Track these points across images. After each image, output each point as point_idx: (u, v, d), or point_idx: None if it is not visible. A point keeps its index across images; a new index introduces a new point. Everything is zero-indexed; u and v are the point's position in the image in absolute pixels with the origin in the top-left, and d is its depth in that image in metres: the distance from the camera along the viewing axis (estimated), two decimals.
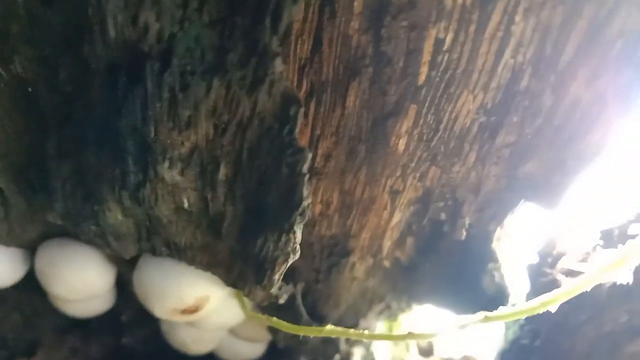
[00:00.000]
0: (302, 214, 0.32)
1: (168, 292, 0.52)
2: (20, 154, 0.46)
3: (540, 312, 0.33)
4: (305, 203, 0.32)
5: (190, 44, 0.29)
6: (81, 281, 0.60)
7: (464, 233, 0.47)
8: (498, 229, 0.48)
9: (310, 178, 0.43)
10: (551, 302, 0.32)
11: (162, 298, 0.53)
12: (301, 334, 0.42)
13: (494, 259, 0.53)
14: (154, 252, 0.50)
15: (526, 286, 0.53)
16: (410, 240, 0.58)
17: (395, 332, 0.83)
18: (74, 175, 0.42)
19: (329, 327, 0.40)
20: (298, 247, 0.36)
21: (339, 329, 0.39)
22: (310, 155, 0.31)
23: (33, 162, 0.45)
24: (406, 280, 0.64)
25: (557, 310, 0.42)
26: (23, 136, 0.44)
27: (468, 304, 0.59)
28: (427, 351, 0.93)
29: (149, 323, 0.71)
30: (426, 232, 0.53)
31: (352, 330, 0.39)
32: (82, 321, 0.74)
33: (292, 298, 0.52)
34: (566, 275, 0.44)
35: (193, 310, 0.54)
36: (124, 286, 0.65)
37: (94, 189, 0.41)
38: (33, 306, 0.74)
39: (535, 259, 0.51)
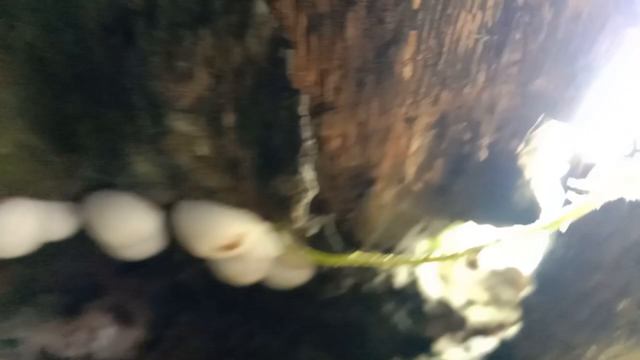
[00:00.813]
0: (306, 155, 0.33)
1: (207, 232, 0.55)
2: (49, 116, 0.48)
3: (555, 228, 0.33)
4: (306, 144, 0.32)
5: None
6: (128, 227, 0.64)
7: (486, 153, 0.46)
8: (522, 145, 0.47)
9: (324, 113, 0.43)
10: (567, 217, 0.32)
11: (202, 238, 0.56)
12: (332, 263, 0.43)
13: (522, 176, 0.53)
14: (187, 196, 0.53)
15: (558, 199, 0.52)
16: (438, 163, 0.57)
17: (436, 251, 0.85)
18: (97, 133, 0.44)
19: (358, 254, 0.41)
20: (311, 184, 0.37)
21: (368, 255, 0.41)
22: (306, 98, 0.31)
23: (61, 123, 0.47)
24: (439, 202, 0.64)
25: (585, 223, 0.42)
26: (48, 99, 0.47)
27: (502, 219, 0.59)
28: (472, 264, 0.95)
29: (201, 260, 0.75)
30: (452, 153, 0.52)
31: (384, 258, 0.40)
32: (139, 263, 0.79)
33: (325, 228, 0.54)
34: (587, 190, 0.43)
35: (233, 246, 0.57)
36: (171, 227, 0.68)
37: (118, 144, 0.43)
38: (91, 253, 0.80)
39: (563, 172, 0.50)
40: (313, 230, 0.49)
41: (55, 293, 0.82)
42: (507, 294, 0.88)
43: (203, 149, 0.39)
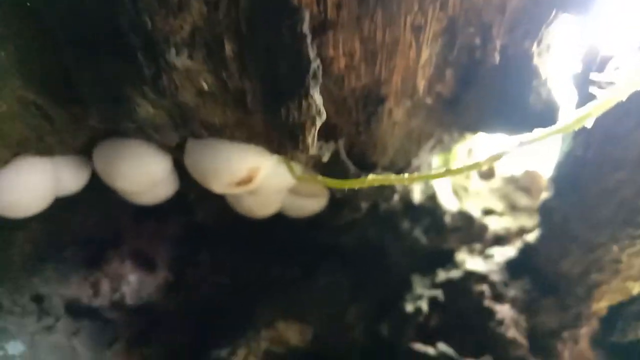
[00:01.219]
0: (315, 77, 0.31)
1: (220, 169, 0.55)
2: (47, 70, 0.47)
3: (578, 126, 0.32)
4: (314, 65, 0.31)
5: None
6: (139, 173, 0.64)
7: (498, 57, 0.44)
8: (535, 45, 0.45)
9: (326, 32, 0.41)
10: (591, 113, 0.31)
11: (216, 175, 0.55)
12: (345, 187, 0.43)
13: (537, 76, 0.51)
14: (196, 136, 0.52)
15: (574, 97, 0.51)
16: (449, 73, 0.55)
17: (451, 164, 0.84)
18: (97, 81, 0.42)
19: (371, 176, 0.40)
20: (321, 109, 0.35)
21: (380, 176, 0.40)
22: (307, 14, 0.29)
23: (59, 75, 0.46)
24: (452, 114, 0.63)
25: (605, 120, 0.40)
26: (44, 53, 0.45)
27: (519, 124, 0.58)
28: (488, 174, 0.94)
29: (215, 198, 0.75)
30: (463, 62, 0.50)
31: (394, 176, 0.39)
32: (156, 208, 0.79)
33: (336, 154, 0.53)
34: (609, 83, 0.41)
35: (247, 181, 0.56)
36: (183, 169, 0.68)
37: (119, 90, 0.42)
38: (108, 202, 0.80)
39: (579, 68, 0.48)
40: (325, 157, 0.48)
41: (77, 246, 0.84)
42: (524, 200, 0.89)
43: (206, 83, 0.37)
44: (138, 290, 0.88)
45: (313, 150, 0.43)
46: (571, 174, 0.54)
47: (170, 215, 0.91)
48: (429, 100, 0.58)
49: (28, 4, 0.41)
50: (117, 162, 0.62)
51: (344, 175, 0.54)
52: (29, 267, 0.78)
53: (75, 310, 0.84)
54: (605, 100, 0.32)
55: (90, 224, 0.85)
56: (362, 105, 0.51)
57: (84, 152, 0.66)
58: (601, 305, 0.60)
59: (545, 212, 0.60)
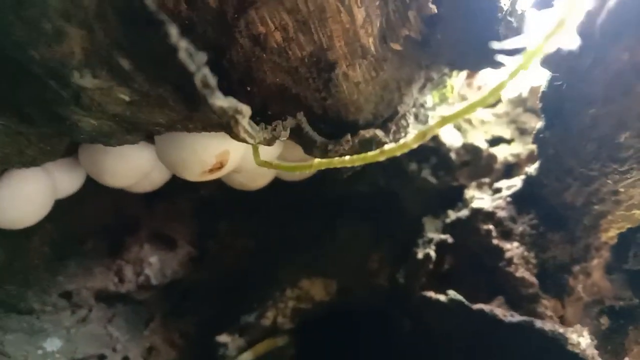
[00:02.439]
0: (206, 86, 0.29)
1: (188, 160, 0.54)
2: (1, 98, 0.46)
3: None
4: (198, 76, 0.28)
5: None
6: (127, 167, 0.64)
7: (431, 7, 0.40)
8: None
9: (247, 10, 0.39)
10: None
11: (186, 167, 0.55)
12: (295, 171, 0.41)
13: (500, 7, 0.46)
14: (154, 133, 0.51)
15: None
16: (412, 15, 0.51)
17: (450, 98, 0.80)
18: (34, 104, 0.41)
19: (316, 161, 0.38)
20: (238, 107, 0.33)
21: (325, 160, 0.38)
22: (173, 27, 0.26)
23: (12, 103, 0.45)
24: (427, 55, 0.59)
25: (566, 56, 0.36)
26: None
27: (494, 57, 0.53)
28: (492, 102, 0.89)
29: None
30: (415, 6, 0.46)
31: (337, 159, 0.37)
32: (164, 189, 0.79)
33: (299, 127, 0.51)
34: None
35: (219, 167, 0.55)
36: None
37: (53, 110, 0.41)
38: (117, 192, 0.81)
39: None
40: (283, 137, 0.46)
41: (95, 238, 0.87)
42: (534, 121, 0.83)
43: (124, 95, 0.36)
44: (161, 269, 0.90)
45: (259, 138, 0.41)
46: (555, 105, 0.49)
47: (181, 194, 0.92)
48: (397, 47, 0.54)
49: None
50: (101, 161, 0.63)
51: (312, 145, 0.52)
52: (52, 267, 0.81)
53: (105, 298, 0.88)
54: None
55: (102, 214, 0.87)
56: (316, 72, 0.48)
57: (72, 153, 0.66)
58: (610, 234, 0.57)
59: (540, 143, 0.57)
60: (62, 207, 0.72)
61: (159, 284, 0.90)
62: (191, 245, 0.93)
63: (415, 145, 0.31)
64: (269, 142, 0.48)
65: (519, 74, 0.34)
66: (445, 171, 0.84)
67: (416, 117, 0.75)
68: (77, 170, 0.70)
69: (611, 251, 0.59)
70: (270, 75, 0.47)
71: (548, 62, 0.40)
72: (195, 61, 0.27)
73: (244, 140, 0.39)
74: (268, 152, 0.62)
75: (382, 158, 0.34)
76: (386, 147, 0.34)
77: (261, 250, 0.97)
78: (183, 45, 0.26)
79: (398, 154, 0.33)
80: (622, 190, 0.48)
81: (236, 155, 0.56)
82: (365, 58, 0.48)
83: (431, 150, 0.84)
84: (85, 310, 0.85)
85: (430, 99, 0.79)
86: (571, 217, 0.59)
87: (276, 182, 0.80)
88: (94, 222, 0.86)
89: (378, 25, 0.45)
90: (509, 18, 0.48)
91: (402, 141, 0.33)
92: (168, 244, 0.92)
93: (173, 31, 0.26)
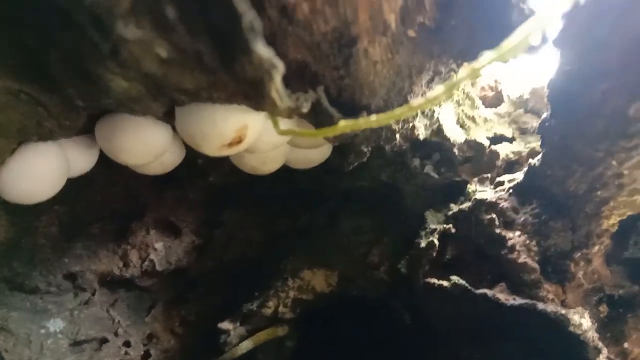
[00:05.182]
0: (251, 29, 0.31)
1: (208, 133, 0.55)
2: (24, 59, 0.48)
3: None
4: (246, 18, 0.30)
5: None
6: (141, 145, 0.65)
7: None
8: None
9: None
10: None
11: (206, 140, 0.56)
12: (319, 136, 0.43)
13: None
14: (176, 103, 0.52)
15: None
16: (428, 2, 0.54)
17: (455, 95, 0.82)
18: (65, 63, 0.43)
19: (342, 122, 0.40)
20: (274, 61, 0.35)
21: (350, 121, 0.40)
22: None
23: (35, 63, 0.47)
24: (440, 43, 0.61)
25: (583, 30, 0.38)
26: (16, 43, 0.46)
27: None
28: (495, 101, 0.92)
29: (222, 159, 0.76)
30: None
31: (363, 120, 0.39)
32: (171, 175, 0.81)
33: (318, 103, 0.53)
34: None
35: (238, 141, 0.57)
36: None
37: (86, 68, 0.42)
38: (126, 176, 0.83)
39: None
40: (305, 108, 0.48)
41: (102, 222, 0.87)
42: (534, 122, 0.86)
43: (162, 50, 0.37)
44: (166, 256, 0.91)
45: (285, 103, 0.43)
46: (563, 90, 0.52)
47: (189, 181, 0.93)
48: (412, 33, 0.56)
49: None
50: (117, 138, 0.64)
51: (329, 123, 0.53)
52: (58, 248, 0.82)
53: (109, 282, 0.89)
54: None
55: (111, 199, 0.88)
56: (337, 49, 0.50)
57: (88, 131, 0.68)
58: (611, 221, 0.59)
59: (545, 132, 0.59)
60: (71, 190, 0.73)
61: (163, 271, 0.91)
62: (196, 233, 0.94)
63: (443, 99, 0.33)
64: (290, 114, 0.49)
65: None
66: (447, 167, 0.86)
67: (422, 111, 0.77)
68: (90, 149, 0.71)
69: (612, 239, 0.61)
70: (292, 50, 0.49)
71: (563, 38, 0.42)
72: (244, 2, 0.29)
73: (272, 102, 0.41)
74: (277, 136, 0.63)
75: (411, 113, 0.36)
76: (413, 102, 0.36)
77: (265, 241, 0.98)
78: None
79: (427, 108, 0.34)
80: (626, 172, 0.50)
81: (254, 131, 0.57)
82: (385, 35, 0.50)
83: (434, 146, 0.86)
84: (89, 293, 0.86)
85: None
86: (573, 205, 0.61)
87: (282, 173, 0.81)
88: (102, 206, 0.87)
89: (400, 2, 0.47)
90: (521, 5, 0.51)
91: (430, 94, 0.35)
92: (173, 231, 0.93)
93: None
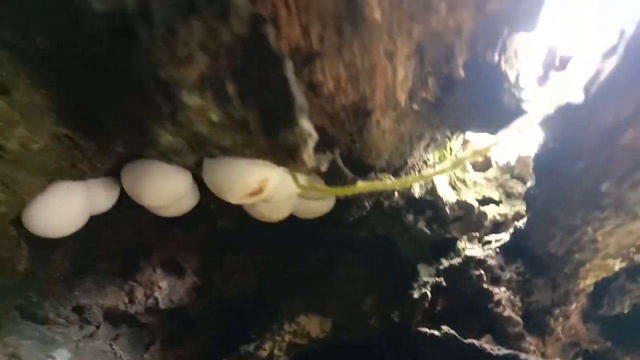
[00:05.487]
0: (301, 109, 0.38)
1: (234, 183, 0.62)
2: (76, 110, 0.54)
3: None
4: (299, 101, 0.37)
5: None
6: (164, 190, 0.71)
7: (461, 72, 0.50)
8: (499, 55, 0.51)
9: (314, 61, 0.48)
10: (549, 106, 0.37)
11: (230, 189, 0.63)
12: (340, 194, 0.50)
13: (508, 79, 0.57)
14: (210, 156, 0.59)
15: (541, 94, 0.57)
16: (431, 81, 0.62)
17: (448, 158, 0.90)
18: (120, 117, 0.50)
19: (361, 183, 0.47)
20: (312, 132, 0.42)
21: (369, 183, 0.47)
22: (290, 62, 0.36)
23: (87, 114, 0.54)
24: (438, 116, 0.69)
25: (562, 117, 0.46)
26: (72, 96, 0.53)
27: (497, 123, 0.64)
28: (484, 166, 1.00)
29: (234, 205, 0.82)
30: (436, 75, 0.57)
31: (382, 182, 0.46)
32: (181, 218, 0.87)
33: (334, 163, 0.60)
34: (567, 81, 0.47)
35: (258, 192, 0.63)
36: (203, 182, 0.75)
37: (141, 124, 0.49)
38: (136, 217, 0.88)
39: (540, 71, 0.54)
40: (324, 167, 0.55)
41: (111, 259, 0.92)
42: (519, 187, 0.94)
43: (215, 116, 0.44)
44: (169, 295, 0.96)
45: (311, 164, 0.50)
46: (546, 164, 0.60)
47: (196, 224, 0.99)
48: (415, 107, 0.64)
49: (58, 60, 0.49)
50: (143, 182, 0.70)
51: (342, 181, 0.60)
52: (70, 281, 0.86)
53: (113, 317, 0.92)
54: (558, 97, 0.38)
55: (121, 236, 0.93)
56: (353, 119, 0.58)
57: (113, 173, 0.74)
58: (588, 282, 0.66)
59: (530, 199, 0.67)
60: (85, 226, 0.78)
61: (165, 309, 0.95)
62: (198, 275, 0.99)
63: (451, 171, 0.40)
64: (309, 172, 0.56)
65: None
66: (439, 224, 0.93)
67: (419, 171, 0.85)
68: (112, 189, 0.77)
69: (588, 298, 0.68)
70: (314, 117, 0.57)
71: (547, 122, 0.50)
72: (298, 89, 0.36)
73: (302, 163, 0.48)
74: (292, 187, 0.70)
75: (420, 181, 0.43)
76: (423, 172, 0.43)
77: (264, 284, 1.03)
78: (293, 77, 0.35)
79: (435, 176, 0.42)
80: (600, 238, 0.57)
81: (273, 183, 0.64)
82: (395, 109, 0.58)
83: (428, 204, 0.94)
84: (94, 326, 0.90)
85: (431, 157, 0.89)
86: (553, 265, 0.68)
87: (284, 221, 0.87)
88: (112, 243, 0.92)
89: (410, 84, 0.55)
90: (512, 90, 0.59)
91: (438, 167, 0.42)
92: (178, 271, 0.98)
93: (289, 66, 0.35)
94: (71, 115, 0.57)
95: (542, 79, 0.55)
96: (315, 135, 0.43)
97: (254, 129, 0.45)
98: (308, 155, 0.46)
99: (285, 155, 0.47)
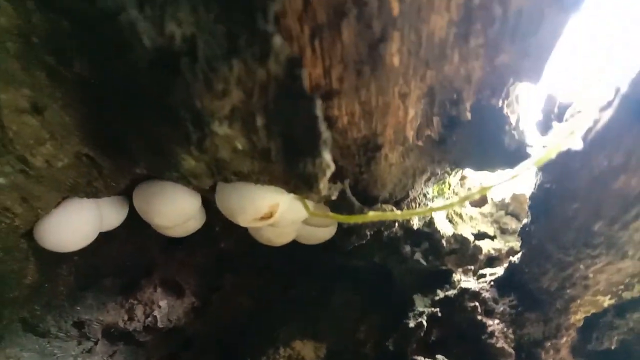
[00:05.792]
0: (325, 142, 0.42)
1: (246, 206, 0.65)
2: (101, 129, 0.58)
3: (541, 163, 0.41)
4: (324, 136, 0.41)
5: (207, 38, 0.37)
6: (174, 211, 0.74)
7: (468, 115, 0.54)
8: (503, 100, 0.56)
9: (332, 98, 0.52)
10: (551, 153, 0.41)
11: (242, 212, 0.66)
12: (350, 221, 0.53)
13: (509, 122, 0.61)
14: (226, 181, 0.62)
15: (540, 139, 0.61)
16: (436, 120, 0.66)
17: (446, 193, 0.94)
18: (146, 140, 0.53)
19: (371, 213, 0.50)
20: (331, 163, 0.46)
21: (379, 213, 0.50)
22: (319, 101, 0.39)
23: (110, 133, 0.57)
24: (440, 152, 0.73)
25: (562, 159, 0.50)
26: (102, 118, 0.56)
27: (497, 162, 0.68)
28: (480, 202, 1.04)
29: (238, 228, 0.85)
30: (443, 115, 0.61)
31: (391, 213, 0.49)
32: (184, 239, 0.89)
33: (343, 192, 0.63)
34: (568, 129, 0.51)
35: (268, 216, 0.66)
36: (210, 204, 0.78)
37: (167, 148, 0.52)
38: (141, 236, 0.91)
39: (540, 117, 0.58)
40: (334, 196, 0.58)
41: (114, 276, 0.94)
42: (513, 224, 0.98)
43: (239, 144, 0.48)
44: (168, 314, 0.97)
45: (325, 193, 0.53)
46: (542, 203, 0.63)
47: (199, 246, 1.01)
48: (420, 143, 0.68)
49: (94, 84, 0.52)
50: (154, 202, 0.73)
51: (349, 210, 0.64)
52: (73, 296, 0.88)
53: (111, 334, 0.94)
54: (559, 144, 0.42)
55: (125, 254, 0.95)
56: (363, 152, 0.61)
57: (124, 193, 0.76)
58: (578, 317, 0.69)
59: (524, 235, 0.70)
60: (91, 242, 0.81)
61: (163, 328, 0.96)
62: (196, 296, 1.01)
63: (457, 206, 0.44)
64: (320, 200, 0.60)
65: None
66: (435, 256, 0.97)
67: (419, 204, 0.88)
68: (122, 208, 0.80)
69: (577, 332, 0.71)
70: None
71: (545, 165, 0.53)
72: (324, 124, 0.40)
73: (317, 192, 0.51)
74: (298, 213, 0.73)
75: (428, 213, 0.46)
76: (433, 204, 0.46)
77: (260, 308, 1.05)
78: (321, 115, 0.39)
79: (443, 210, 0.45)
80: (591, 275, 0.61)
81: (283, 208, 0.67)
82: (403, 145, 0.61)
83: (425, 236, 0.97)
84: (92, 342, 0.91)
85: (430, 190, 0.93)
86: (546, 300, 0.72)
87: (282, 246, 0.90)
88: (116, 260, 0.94)
89: (419, 122, 0.59)
90: (513, 132, 0.63)
91: (446, 203, 0.45)
92: (177, 291, 1.00)
93: (319, 104, 0.38)
94: (96, 136, 0.60)
95: (542, 125, 0.59)
96: (333, 167, 0.46)
97: (275, 157, 0.48)
98: (324, 184, 0.49)
99: (301, 183, 0.51)
